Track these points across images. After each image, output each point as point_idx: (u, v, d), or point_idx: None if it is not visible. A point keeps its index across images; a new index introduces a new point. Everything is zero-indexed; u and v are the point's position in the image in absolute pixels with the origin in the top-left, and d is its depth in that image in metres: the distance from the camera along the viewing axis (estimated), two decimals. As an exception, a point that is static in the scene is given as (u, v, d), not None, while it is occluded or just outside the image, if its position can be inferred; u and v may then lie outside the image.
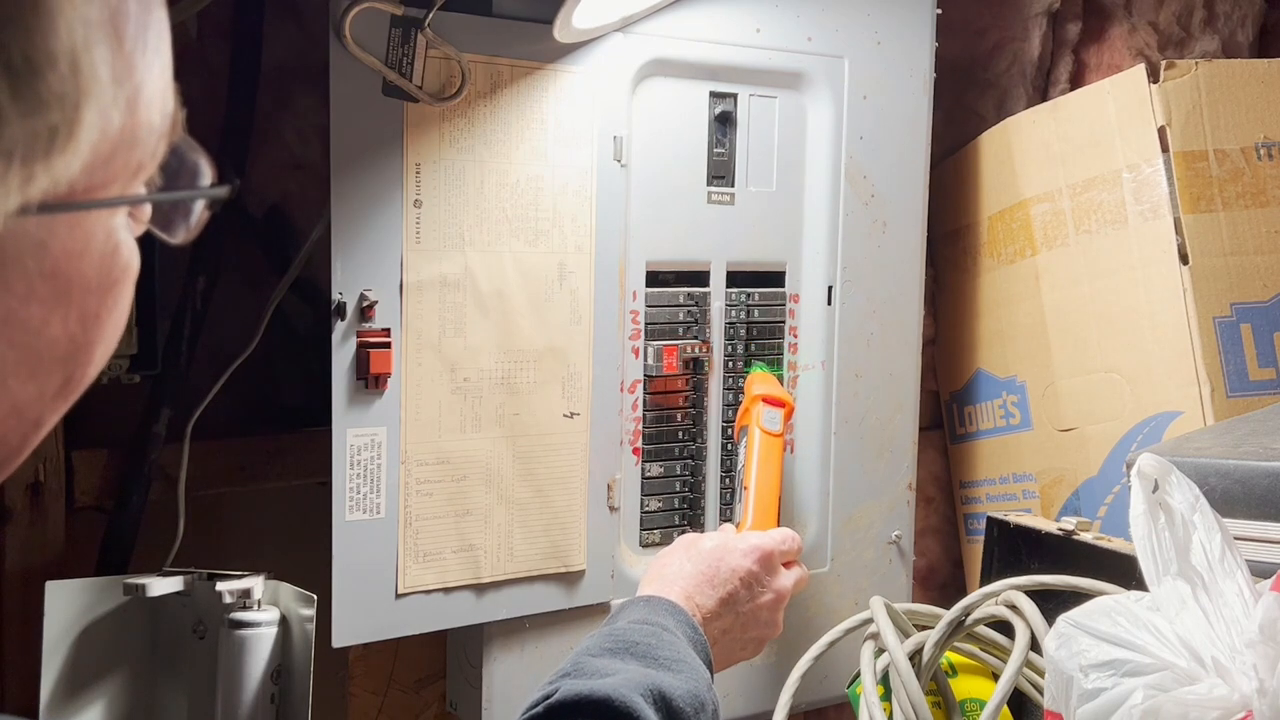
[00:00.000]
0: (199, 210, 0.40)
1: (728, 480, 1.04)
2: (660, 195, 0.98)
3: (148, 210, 0.38)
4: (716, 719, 0.73)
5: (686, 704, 0.69)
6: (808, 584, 0.94)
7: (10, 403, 0.34)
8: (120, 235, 0.36)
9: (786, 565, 0.92)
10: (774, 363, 1.06)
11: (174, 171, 0.38)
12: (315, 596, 0.88)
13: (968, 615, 0.85)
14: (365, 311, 0.85)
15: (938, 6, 1.10)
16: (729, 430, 1.04)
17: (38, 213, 0.31)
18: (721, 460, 1.03)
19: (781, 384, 1.03)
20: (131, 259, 0.37)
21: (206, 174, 0.39)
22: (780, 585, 0.89)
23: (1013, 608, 0.83)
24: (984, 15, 1.28)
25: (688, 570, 0.86)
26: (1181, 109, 1.05)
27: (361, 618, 0.87)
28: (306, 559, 0.93)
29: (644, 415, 0.99)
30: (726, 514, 1.04)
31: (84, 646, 0.88)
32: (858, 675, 0.86)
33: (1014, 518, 0.99)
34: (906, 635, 0.87)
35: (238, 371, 0.98)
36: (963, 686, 0.89)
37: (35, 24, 0.29)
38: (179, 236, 0.40)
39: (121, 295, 0.37)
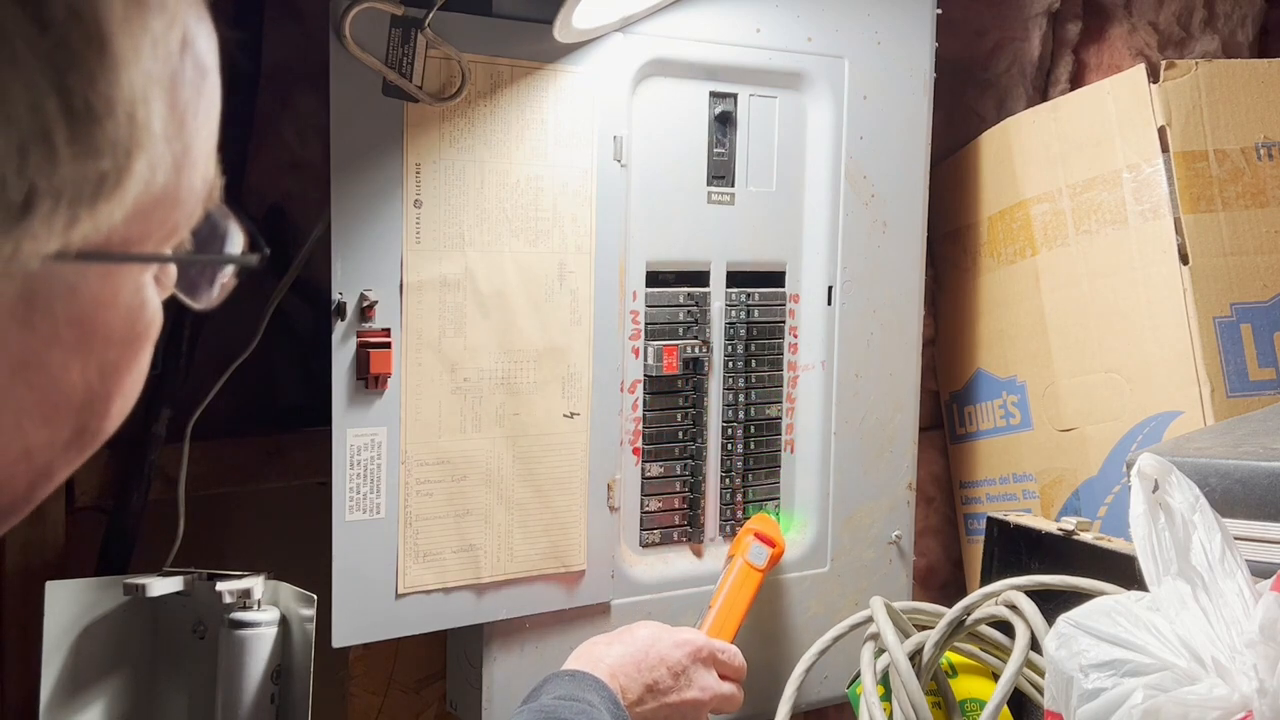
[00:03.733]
0: (225, 276, 0.40)
1: (727, 480, 1.04)
2: (660, 195, 0.98)
3: (174, 272, 0.38)
4: None
5: None
6: (737, 709, 0.94)
7: (22, 445, 0.34)
8: (147, 293, 0.36)
9: (723, 676, 0.92)
10: (773, 363, 1.06)
11: (205, 238, 0.38)
12: (315, 596, 0.88)
13: (968, 615, 0.85)
14: (365, 311, 0.85)
15: (938, 6, 1.10)
16: (729, 430, 1.04)
17: (74, 259, 0.31)
18: (721, 460, 1.03)
19: (781, 533, 1.04)
20: (155, 317, 0.37)
21: (238, 241, 0.40)
22: (709, 684, 0.89)
23: (1013, 608, 0.83)
24: (984, 15, 1.28)
25: (617, 652, 0.86)
26: (1181, 109, 1.05)
27: (361, 618, 0.87)
28: (306, 559, 0.93)
29: (644, 415, 0.99)
30: (726, 514, 1.04)
31: (84, 646, 0.88)
32: (858, 675, 0.86)
33: (1014, 518, 0.99)
34: (906, 635, 0.87)
35: (238, 371, 0.98)
36: (963, 686, 0.89)
37: (101, 71, 0.30)
38: (202, 302, 0.40)
39: (143, 352, 0.37)
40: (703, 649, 0.90)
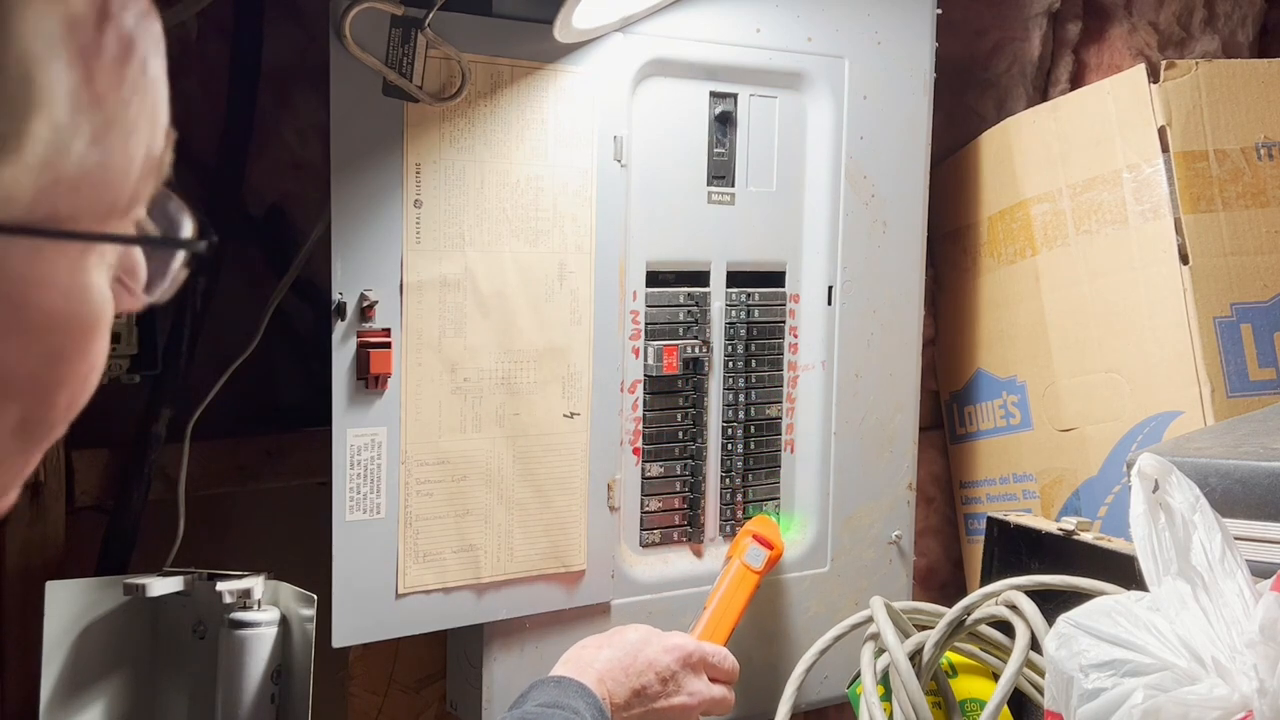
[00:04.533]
0: (177, 266, 0.39)
1: (727, 480, 1.04)
2: (660, 195, 0.98)
3: (134, 262, 0.37)
4: None
5: None
6: (729, 712, 0.94)
7: None
8: (91, 277, 0.35)
9: (714, 679, 0.91)
10: (773, 363, 1.05)
11: (160, 226, 0.38)
12: (315, 596, 0.88)
13: (968, 615, 0.85)
14: (365, 311, 0.85)
15: (938, 6, 1.10)
16: (729, 430, 1.04)
17: None
18: (721, 460, 1.03)
19: (781, 535, 1.03)
20: (104, 306, 0.36)
21: (188, 229, 0.39)
22: (698, 689, 0.89)
23: (1013, 608, 0.83)
24: (984, 15, 1.28)
25: (605, 656, 0.86)
26: (1182, 109, 1.05)
27: (361, 618, 0.87)
28: (306, 559, 0.93)
29: (644, 415, 0.99)
30: (726, 514, 1.04)
31: (84, 646, 0.88)
32: (858, 675, 0.86)
33: (1014, 518, 0.99)
34: (906, 635, 0.87)
35: (238, 371, 0.98)
36: (963, 686, 0.89)
37: None
38: (155, 292, 0.39)
39: (92, 341, 0.36)
40: (693, 654, 0.90)
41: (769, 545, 1.00)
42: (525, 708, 0.77)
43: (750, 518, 1.05)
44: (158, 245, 0.39)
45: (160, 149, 0.37)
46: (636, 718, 0.85)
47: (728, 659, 0.93)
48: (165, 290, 0.40)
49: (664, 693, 0.86)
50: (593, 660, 0.85)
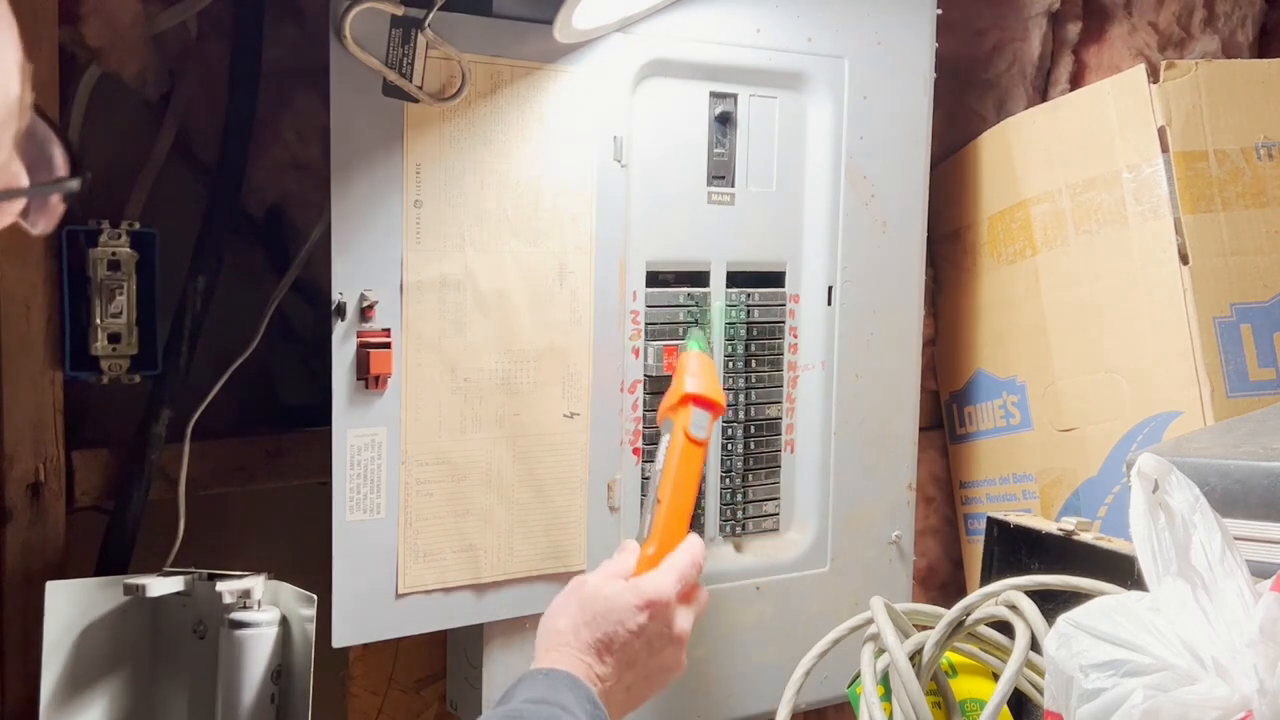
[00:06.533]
0: (56, 200, 0.39)
1: (727, 480, 1.04)
2: (660, 195, 0.98)
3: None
4: None
5: None
6: (709, 603, 0.89)
7: None
8: None
9: (686, 598, 0.86)
10: (773, 363, 1.05)
11: (33, 159, 0.37)
12: (315, 596, 0.88)
13: (968, 615, 0.85)
14: (365, 311, 0.85)
15: (938, 6, 1.10)
16: (729, 430, 1.03)
17: None
18: (721, 460, 1.03)
19: (715, 371, 0.93)
20: None
21: (59, 162, 0.39)
22: (680, 630, 0.85)
23: (1013, 608, 0.83)
24: (984, 15, 1.28)
25: (584, 637, 0.82)
26: (1181, 109, 1.05)
27: (361, 618, 0.87)
28: (306, 559, 0.93)
29: (644, 415, 0.99)
30: (726, 514, 1.04)
31: (84, 646, 0.88)
32: (858, 675, 0.86)
33: (1014, 518, 0.99)
34: (906, 635, 0.87)
35: (238, 371, 0.98)
36: (963, 686, 0.89)
37: None
38: (39, 227, 0.39)
39: None
40: (664, 602, 0.84)
41: (710, 405, 0.90)
42: (512, 704, 0.76)
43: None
44: (30, 194, 0.38)
45: (16, 92, 0.36)
46: (631, 683, 0.83)
47: (693, 567, 0.86)
48: (49, 224, 0.39)
49: (650, 651, 0.83)
50: (574, 644, 0.81)
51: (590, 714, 0.76)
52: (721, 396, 0.92)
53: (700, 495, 1.02)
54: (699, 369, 0.92)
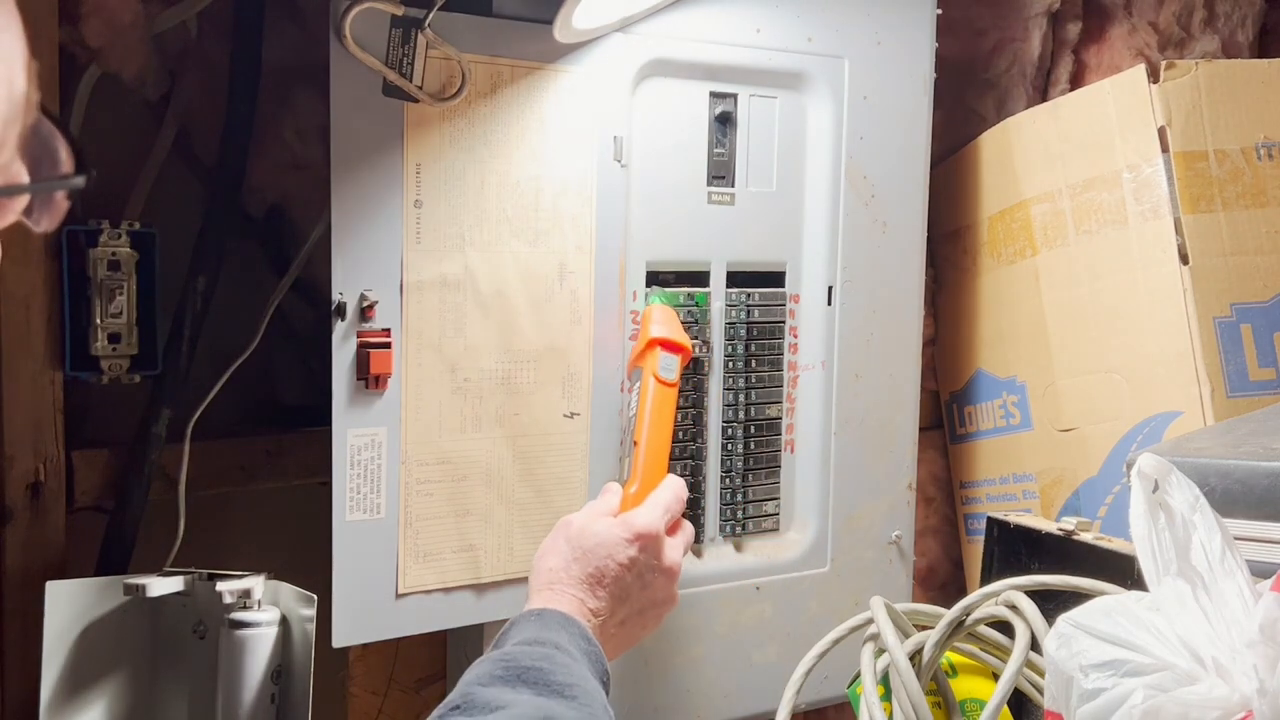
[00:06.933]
0: (60, 198, 0.39)
1: (727, 480, 1.04)
2: (660, 195, 0.98)
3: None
4: None
5: None
6: (692, 536, 0.91)
7: None
8: None
9: (671, 531, 0.87)
10: (773, 363, 1.05)
11: (37, 156, 0.37)
12: (315, 596, 0.88)
13: (968, 615, 0.85)
14: (365, 311, 0.85)
15: (938, 6, 1.10)
16: (729, 430, 1.03)
17: None
18: (721, 460, 1.03)
19: (680, 321, 0.96)
20: None
21: (63, 159, 0.39)
22: (670, 561, 0.86)
23: (1013, 608, 0.83)
24: (984, 15, 1.28)
25: (575, 574, 0.82)
26: (1181, 109, 1.05)
27: (361, 618, 0.87)
28: (306, 559, 0.93)
29: (644, 415, 0.99)
30: (726, 514, 1.04)
31: (84, 646, 0.88)
32: (858, 675, 0.86)
33: (1014, 518, 0.99)
34: (906, 635, 0.87)
35: (238, 371, 0.98)
36: (963, 686, 0.89)
37: None
38: (42, 224, 0.39)
39: None
40: (652, 534, 0.85)
41: (676, 348, 0.94)
42: (505, 647, 0.75)
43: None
44: (34, 190, 0.38)
45: (23, 89, 0.36)
46: (624, 618, 0.83)
47: (677, 501, 0.88)
48: (52, 221, 0.39)
49: (642, 584, 0.84)
50: (565, 581, 0.81)
51: (584, 650, 0.76)
52: (687, 340, 0.95)
53: (700, 495, 1.02)
54: (663, 317, 0.96)
